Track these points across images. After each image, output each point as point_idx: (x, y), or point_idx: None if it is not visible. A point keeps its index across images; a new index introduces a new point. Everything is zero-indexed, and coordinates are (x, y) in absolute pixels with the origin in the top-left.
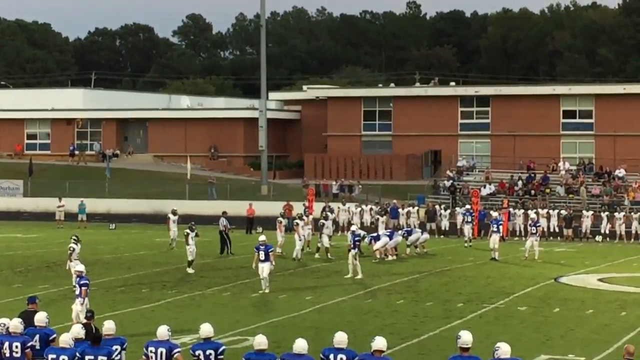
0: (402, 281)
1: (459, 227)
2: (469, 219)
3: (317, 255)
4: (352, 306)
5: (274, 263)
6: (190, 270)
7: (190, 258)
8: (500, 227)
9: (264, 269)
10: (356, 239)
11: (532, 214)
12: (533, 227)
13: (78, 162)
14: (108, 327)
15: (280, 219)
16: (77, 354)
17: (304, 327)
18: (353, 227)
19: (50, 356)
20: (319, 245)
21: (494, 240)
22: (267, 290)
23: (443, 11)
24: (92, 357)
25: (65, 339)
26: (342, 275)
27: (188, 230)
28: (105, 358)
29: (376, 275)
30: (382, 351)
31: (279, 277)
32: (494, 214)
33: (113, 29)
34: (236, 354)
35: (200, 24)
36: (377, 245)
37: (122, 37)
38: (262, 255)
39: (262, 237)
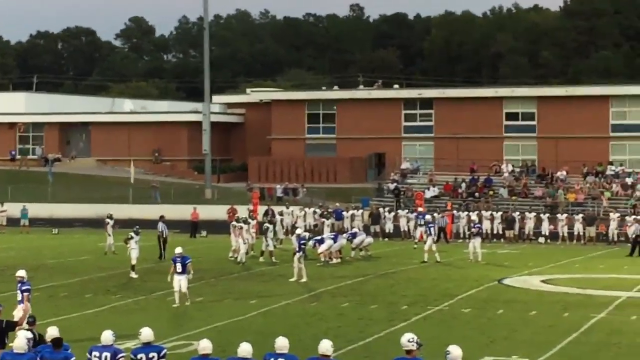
0: (347, 284)
1: (402, 229)
2: (422, 222)
3: (261, 259)
4: (297, 310)
5: (191, 273)
6: (133, 275)
7: (133, 262)
8: (431, 229)
9: (181, 282)
10: (301, 242)
11: (473, 215)
12: (474, 229)
13: (20, 167)
14: (51, 333)
15: (235, 223)
16: (38, 358)
17: (249, 331)
18: (298, 231)
19: None
20: (263, 249)
21: (429, 243)
22: (187, 303)
23: (386, 14)
24: None
25: (20, 344)
26: (287, 278)
27: (132, 234)
28: None
29: (321, 278)
30: (328, 355)
31: (223, 281)
32: (427, 216)
33: (55, 32)
34: (181, 359)
35: (143, 26)
36: (322, 248)
37: (64, 40)
38: (179, 268)
39: (178, 249)
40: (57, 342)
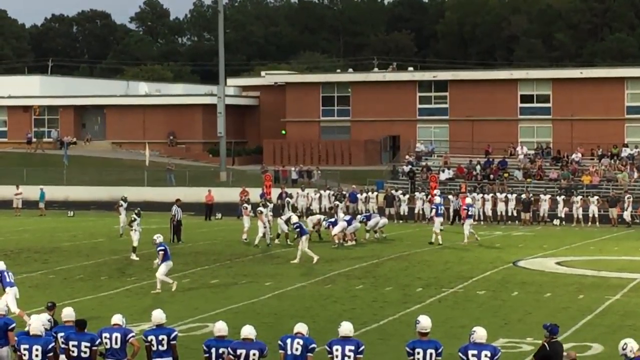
0: (361, 266)
1: (417, 211)
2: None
3: (276, 241)
4: (311, 292)
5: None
6: (134, 257)
7: (135, 244)
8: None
9: (161, 267)
10: (296, 227)
11: (468, 198)
12: (467, 211)
13: (35, 150)
14: (67, 314)
15: (246, 205)
16: (62, 340)
17: (263, 313)
18: (292, 216)
19: (23, 347)
20: (279, 231)
21: (437, 225)
22: (173, 288)
23: None
24: (75, 343)
25: (37, 326)
26: (302, 260)
27: (134, 216)
28: (88, 344)
29: (335, 260)
30: (350, 337)
31: (238, 263)
32: (437, 198)
33: (70, 15)
34: (196, 341)
35: (157, 10)
36: (335, 230)
37: (79, 23)
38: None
39: (156, 236)
40: (80, 324)
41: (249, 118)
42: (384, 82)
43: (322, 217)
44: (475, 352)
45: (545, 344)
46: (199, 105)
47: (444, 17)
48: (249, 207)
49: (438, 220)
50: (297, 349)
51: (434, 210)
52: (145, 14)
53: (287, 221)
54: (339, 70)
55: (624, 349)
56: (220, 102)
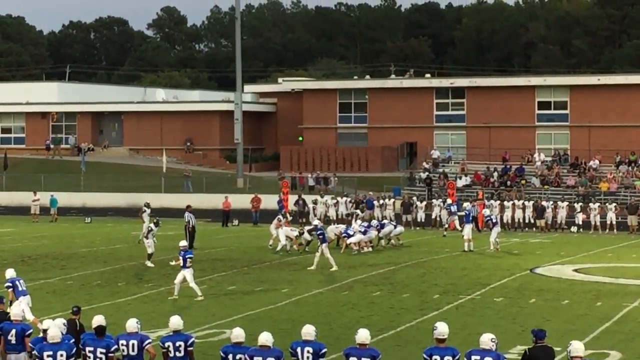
0: (379, 273)
1: (434, 217)
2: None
3: (295, 247)
4: (328, 298)
5: (190, 268)
6: (149, 264)
7: (150, 251)
8: (469, 216)
9: (185, 275)
10: (319, 233)
11: (486, 210)
12: (491, 220)
13: (53, 156)
14: (97, 321)
15: (280, 217)
16: (80, 345)
17: (280, 319)
18: (315, 222)
19: (46, 354)
20: (303, 241)
21: (467, 232)
22: (198, 298)
23: (418, 3)
24: (91, 349)
25: (55, 334)
26: (319, 267)
27: (152, 225)
28: (104, 350)
29: (352, 267)
30: (366, 344)
31: (255, 269)
32: (466, 204)
33: (87, 22)
34: (213, 347)
35: (175, 16)
36: (351, 239)
37: (96, 30)
38: (181, 262)
39: (182, 243)
40: (100, 330)
41: (266, 124)
42: (401, 88)
43: (344, 227)
44: (478, 357)
45: (527, 349)
46: (216, 111)
47: (462, 24)
48: (283, 219)
49: (469, 227)
50: (307, 357)
51: (452, 216)
52: (162, 20)
53: (310, 230)
54: (356, 77)
55: (567, 347)
56: (238, 108)
